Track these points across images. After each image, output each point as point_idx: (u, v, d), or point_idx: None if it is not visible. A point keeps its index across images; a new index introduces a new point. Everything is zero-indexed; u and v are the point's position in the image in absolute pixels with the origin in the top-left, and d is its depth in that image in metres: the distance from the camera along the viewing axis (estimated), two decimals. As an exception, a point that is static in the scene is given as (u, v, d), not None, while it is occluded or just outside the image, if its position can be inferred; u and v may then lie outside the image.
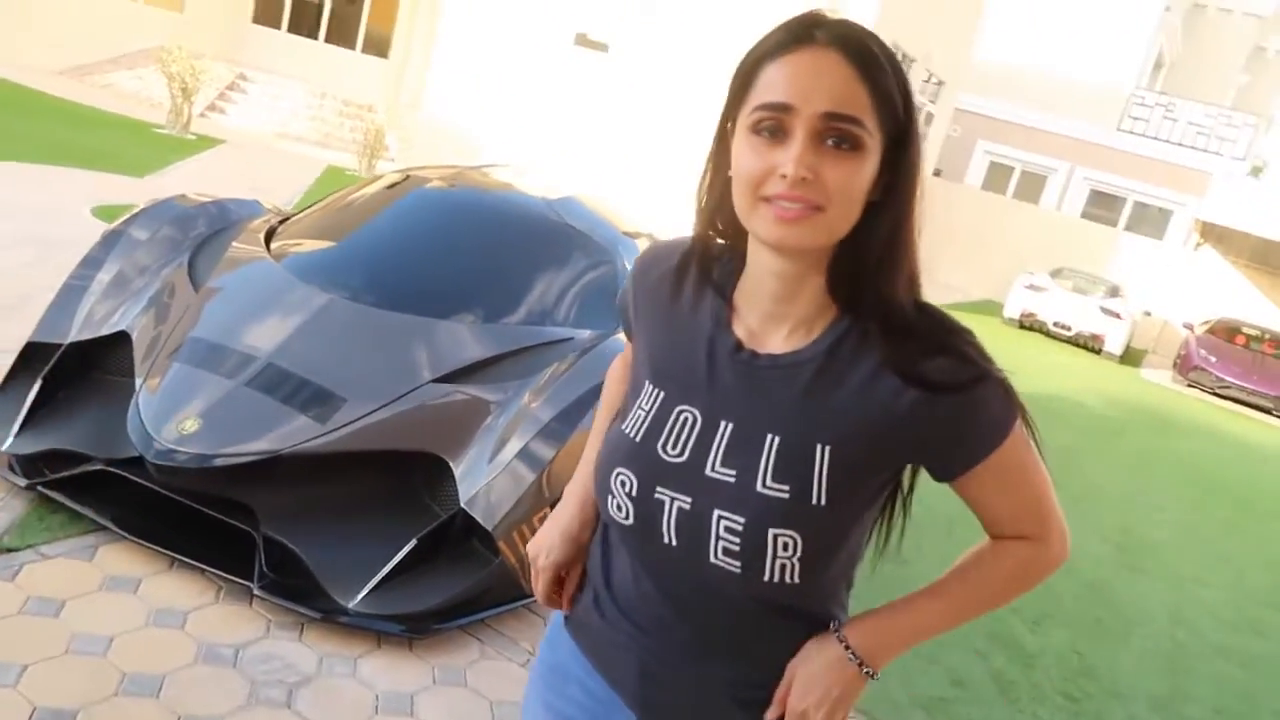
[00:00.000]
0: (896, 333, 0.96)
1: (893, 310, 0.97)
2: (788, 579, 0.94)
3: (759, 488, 0.95)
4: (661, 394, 1.03)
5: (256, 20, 15.25)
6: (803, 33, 0.92)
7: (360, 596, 2.59)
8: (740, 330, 1.02)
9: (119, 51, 13.56)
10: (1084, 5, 21.28)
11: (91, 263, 3.35)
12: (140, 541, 2.69)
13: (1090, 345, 14.56)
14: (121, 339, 3.12)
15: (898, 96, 0.93)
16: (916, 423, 0.95)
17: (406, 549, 2.67)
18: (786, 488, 0.95)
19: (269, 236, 3.65)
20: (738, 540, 0.94)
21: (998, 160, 22.59)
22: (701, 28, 13.38)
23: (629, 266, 3.92)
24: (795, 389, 0.98)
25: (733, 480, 0.96)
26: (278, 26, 15.45)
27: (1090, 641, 3.96)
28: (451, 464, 2.82)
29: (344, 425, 2.81)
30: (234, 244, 3.50)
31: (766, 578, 0.94)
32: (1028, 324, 15.13)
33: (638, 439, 1.02)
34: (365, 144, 11.58)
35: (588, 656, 1.16)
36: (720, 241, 1.07)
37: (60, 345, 3.09)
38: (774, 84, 0.92)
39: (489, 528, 2.69)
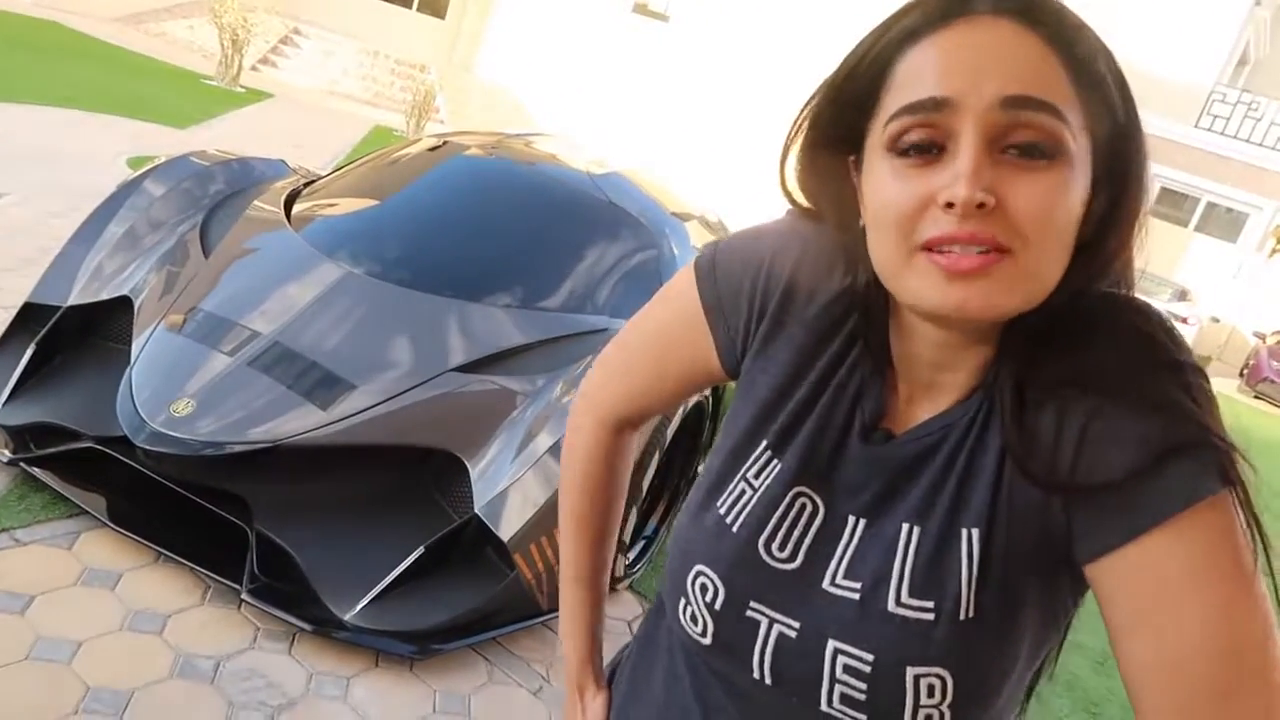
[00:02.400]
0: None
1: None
2: None
3: (892, 606, 0.66)
4: (778, 465, 0.73)
5: (313, -26, 15.05)
6: (956, 1, 0.62)
7: (358, 608, 2.34)
8: (889, 398, 0.73)
9: (174, 0, 13.44)
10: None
11: (101, 216, 3.13)
12: (125, 533, 2.46)
13: (1153, 350, 13.97)
14: (124, 303, 2.89)
15: (1111, 82, 0.62)
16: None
17: (412, 557, 2.41)
18: (930, 604, 0.66)
19: (291, 200, 3.40)
20: (864, 686, 0.66)
21: (1065, 152, 21.70)
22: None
23: (676, 251, 3.61)
24: (934, 465, 0.69)
25: (856, 597, 0.68)
26: (334, -19, 15.24)
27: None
28: (468, 463, 2.55)
29: (351, 415, 2.54)
30: (252, 206, 3.24)
31: None
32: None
33: (736, 528, 0.73)
34: (414, 105, 11.34)
35: None
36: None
37: (58, 308, 2.87)
38: (920, 74, 0.62)
39: (504, 538, 2.42)
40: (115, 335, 2.89)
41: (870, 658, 0.66)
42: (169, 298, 2.83)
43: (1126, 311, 0.66)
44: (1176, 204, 20.45)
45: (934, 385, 0.71)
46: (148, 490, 2.51)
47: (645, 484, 2.76)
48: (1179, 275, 16.65)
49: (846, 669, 0.66)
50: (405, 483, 2.64)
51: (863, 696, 0.66)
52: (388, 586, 2.39)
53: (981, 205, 0.59)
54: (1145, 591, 0.61)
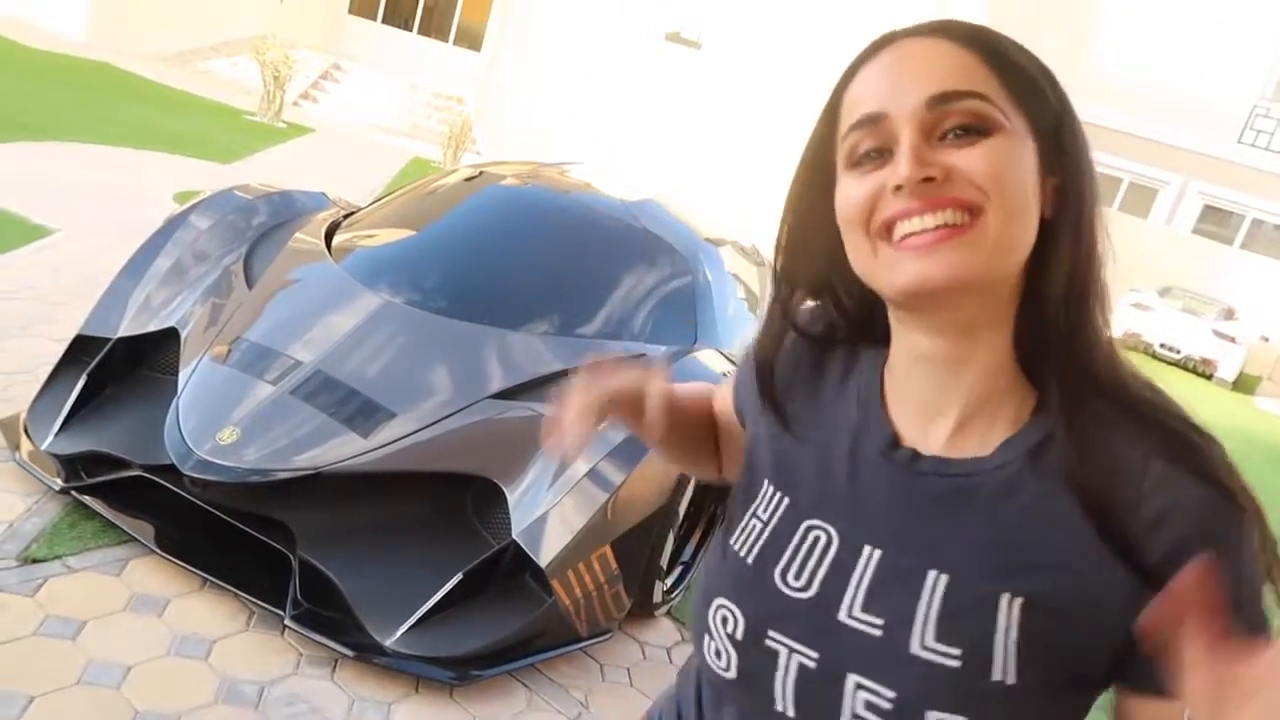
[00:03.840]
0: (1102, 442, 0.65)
1: (1097, 392, 0.67)
2: None
3: (915, 648, 0.66)
4: (786, 500, 0.76)
5: (353, 11, 15.40)
6: (889, 36, 0.72)
7: (399, 634, 2.36)
8: (898, 420, 0.74)
9: (220, 39, 13.82)
10: (1207, 14, 20.10)
11: (149, 250, 3.22)
12: (172, 559, 2.50)
13: (1200, 370, 13.72)
14: (171, 334, 2.97)
15: (1037, 74, 0.68)
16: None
17: (451, 583, 2.43)
18: (957, 652, 0.65)
19: (331, 232, 3.47)
20: None
21: (1104, 171, 21.52)
22: (799, 25, 12.97)
23: (711, 276, 3.63)
24: (973, 512, 0.68)
25: (878, 634, 0.68)
26: (373, 18, 15.58)
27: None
28: (505, 489, 2.57)
29: (391, 442, 2.58)
30: (294, 238, 3.32)
31: None
32: (1131, 344, 14.31)
33: (750, 559, 0.75)
34: (451, 136, 11.52)
35: None
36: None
37: (108, 340, 2.95)
38: (860, 98, 0.70)
39: (541, 564, 2.43)
40: (163, 366, 2.96)
41: (892, 695, 0.66)
42: (214, 329, 2.89)
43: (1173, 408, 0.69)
44: (1221, 221, 20.13)
45: (931, 406, 0.72)
46: (194, 517, 2.56)
47: (682, 508, 2.76)
48: (1225, 293, 16.34)
49: (868, 705, 0.66)
50: (444, 509, 2.66)
51: None
52: (427, 612, 2.41)
53: (929, 180, 0.64)
54: None
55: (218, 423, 2.55)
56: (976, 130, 0.65)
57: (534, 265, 3.32)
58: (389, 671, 2.36)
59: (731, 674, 0.74)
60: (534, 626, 2.47)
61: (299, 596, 2.41)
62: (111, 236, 5.15)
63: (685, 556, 3.10)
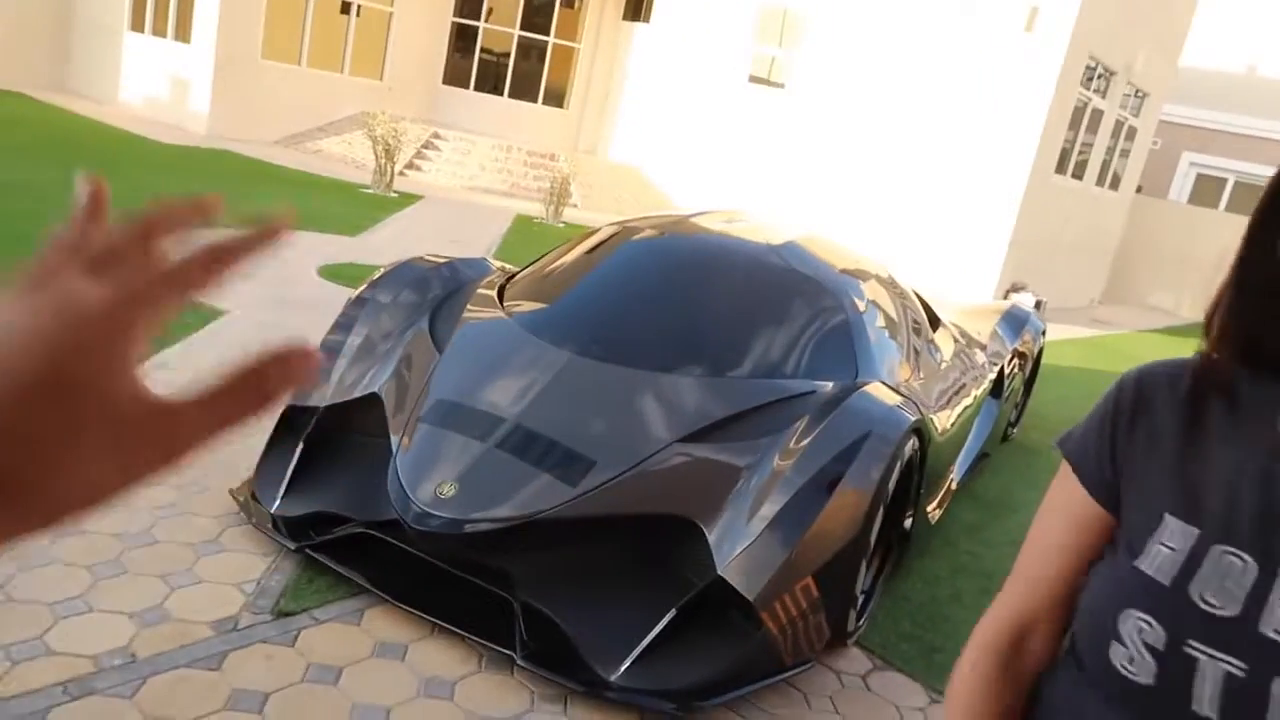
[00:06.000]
0: None
1: None
2: None
3: None
4: (1197, 532, 0.83)
5: (446, 81, 16.09)
6: None
7: (623, 669, 2.50)
8: None
9: (327, 120, 14.60)
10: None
11: (341, 328, 3.47)
12: (403, 606, 2.71)
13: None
14: (372, 401, 3.20)
15: None
16: None
17: (666, 619, 2.56)
18: None
19: (500, 293, 3.69)
20: None
21: (1205, 173, 20.87)
22: (872, 56, 13.06)
23: (861, 308, 3.73)
24: None
25: None
26: (466, 86, 16.24)
27: None
28: (704, 529, 2.70)
29: (595, 488, 2.74)
30: (470, 304, 3.55)
31: None
32: None
33: (1165, 581, 0.82)
34: (552, 192, 11.90)
35: None
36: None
37: (317, 409, 3.20)
38: None
39: (750, 597, 2.55)
40: (368, 430, 3.20)
41: None
42: (414, 393, 3.12)
43: None
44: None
45: None
46: (415, 567, 2.77)
47: (873, 538, 2.85)
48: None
49: None
50: (644, 548, 2.81)
51: None
52: (644, 647, 2.54)
53: None
54: None
55: (435, 479, 2.75)
56: None
57: (696, 312, 3.48)
58: (614, 704, 2.50)
59: (1149, 681, 0.80)
60: (747, 657, 2.59)
61: (525, 637, 2.57)
62: (273, 313, 5.53)
63: (865, 586, 3.18)
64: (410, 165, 13.60)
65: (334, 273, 6.91)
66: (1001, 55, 12.09)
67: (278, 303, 5.73)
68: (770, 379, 3.24)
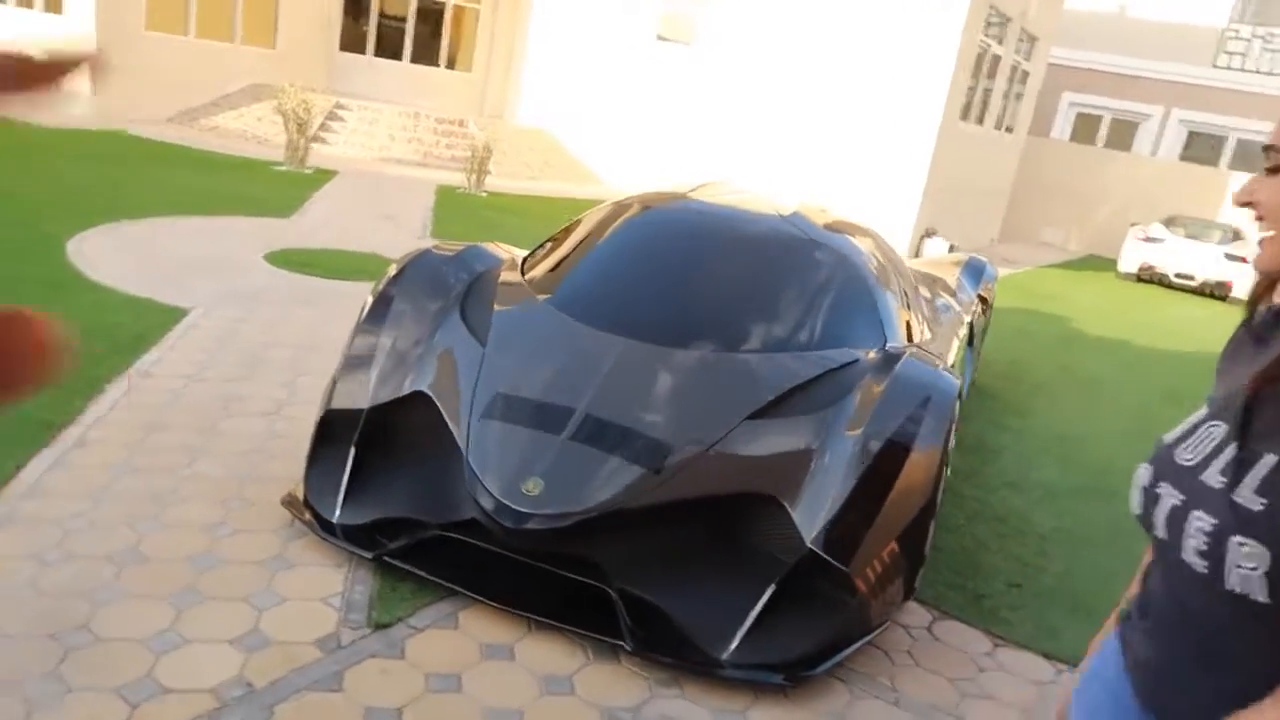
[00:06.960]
0: None
1: None
2: (1255, 595, 0.93)
3: (1235, 496, 0.97)
4: (1205, 412, 1.10)
5: (344, 48, 15.44)
6: None
7: (733, 647, 2.56)
8: None
9: (220, 93, 13.86)
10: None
11: (369, 329, 3.36)
12: (497, 605, 2.70)
13: (1215, 293, 14.15)
14: (416, 399, 3.13)
15: None
16: None
17: (767, 594, 2.63)
18: (1264, 502, 0.95)
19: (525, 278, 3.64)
20: (1206, 540, 0.98)
21: (1084, 111, 21.90)
22: (782, 11, 13.17)
23: (875, 272, 3.83)
24: None
25: (1219, 488, 1.00)
26: (363, 52, 15.63)
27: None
28: (786, 503, 2.77)
29: (675, 472, 2.78)
30: (500, 293, 3.49)
31: (1228, 586, 0.95)
32: (1146, 277, 14.71)
33: (1168, 441, 1.10)
34: (473, 160, 11.64)
35: (1125, 654, 1.18)
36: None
37: (362, 411, 3.12)
38: None
39: (844, 567, 2.64)
40: (416, 429, 3.13)
41: (1214, 522, 0.97)
42: (465, 388, 3.05)
43: None
44: (1206, 146, 20.52)
45: None
46: (497, 564, 2.75)
47: (940, 497, 2.97)
48: (1220, 215, 16.71)
49: (1198, 529, 0.98)
50: (725, 527, 2.86)
51: (1205, 548, 0.97)
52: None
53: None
54: None
55: (518, 477, 2.73)
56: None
57: (731, 289, 3.52)
58: (725, 684, 2.56)
59: (1137, 510, 1.09)
60: (843, 624, 2.68)
61: (629, 626, 2.60)
62: (237, 308, 5.30)
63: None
64: (315, 139, 13.05)
65: (282, 259, 6.64)
66: (910, 5, 12.35)
67: (235, 296, 5.50)
68: (815, 350, 3.31)
